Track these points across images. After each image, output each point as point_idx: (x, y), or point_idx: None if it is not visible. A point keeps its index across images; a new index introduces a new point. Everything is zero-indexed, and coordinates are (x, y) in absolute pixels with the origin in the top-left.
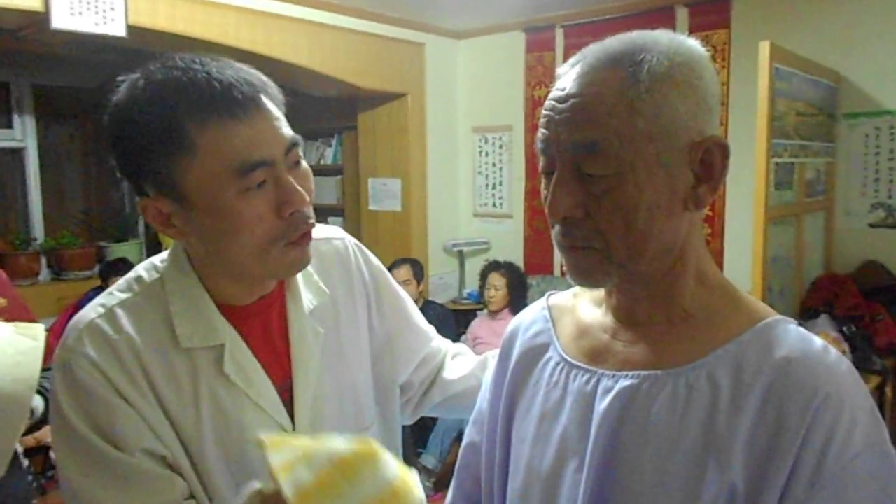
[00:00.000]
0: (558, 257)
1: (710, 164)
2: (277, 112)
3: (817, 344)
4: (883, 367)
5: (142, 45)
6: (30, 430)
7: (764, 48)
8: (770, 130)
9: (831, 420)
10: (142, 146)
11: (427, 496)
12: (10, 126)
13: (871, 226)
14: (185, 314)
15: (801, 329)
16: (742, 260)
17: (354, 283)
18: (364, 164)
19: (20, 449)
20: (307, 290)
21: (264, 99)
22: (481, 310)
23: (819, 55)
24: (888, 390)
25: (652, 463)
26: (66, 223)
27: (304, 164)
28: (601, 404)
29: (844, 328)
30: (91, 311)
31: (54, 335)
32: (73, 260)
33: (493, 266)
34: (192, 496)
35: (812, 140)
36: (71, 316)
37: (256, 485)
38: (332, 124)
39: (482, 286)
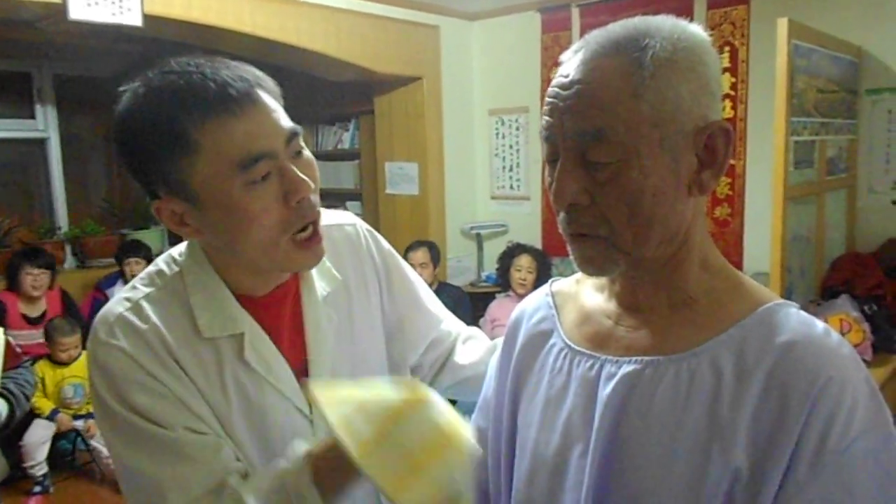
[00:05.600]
0: None
1: (713, 149)
2: (275, 105)
3: (819, 328)
4: None
5: (158, 34)
6: None
7: (782, 25)
8: (788, 108)
9: (833, 404)
10: (148, 151)
11: None
12: (32, 116)
13: (895, 203)
14: (204, 305)
15: (803, 313)
16: (762, 240)
17: (366, 268)
18: (381, 149)
19: None
20: (320, 278)
21: (260, 93)
22: (499, 292)
23: (840, 30)
24: None
25: (656, 448)
26: (89, 212)
27: (306, 153)
28: (605, 390)
29: (865, 307)
30: (118, 305)
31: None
32: (97, 248)
33: (522, 248)
34: (238, 459)
35: (833, 117)
36: (93, 300)
37: (303, 447)
38: (349, 109)
39: (503, 268)
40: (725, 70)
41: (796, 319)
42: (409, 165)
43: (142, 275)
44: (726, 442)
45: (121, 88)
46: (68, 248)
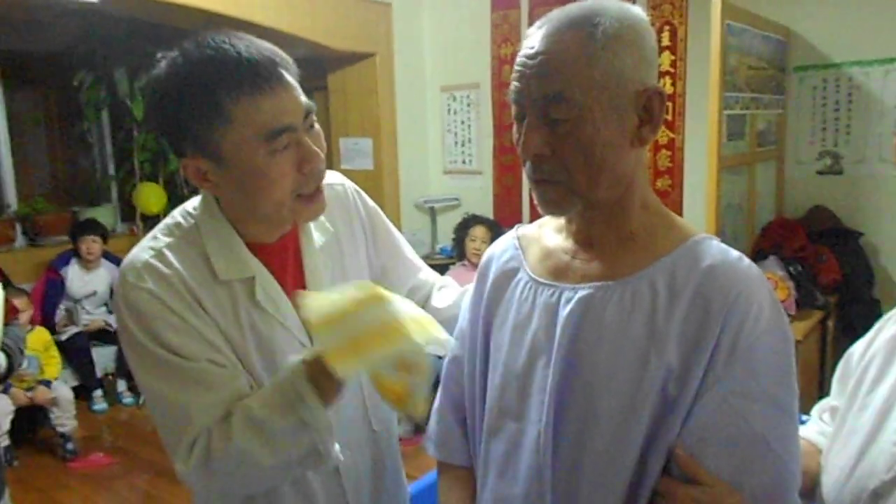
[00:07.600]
0: (527, 212)
1: (651, 108)
2: (295, 83)
3: (734, 254)
4: (825, 302)
5: (109, 8)
6: None
7: (716, 5)
8: (722, 84)
9: (743, 311)
10: (183, 116)
11: (407, 438)
12: None
13: (819, 173)
14: (219, 252)
15: (722, 244)
16: (699, 208)
17: (353, 222)
18: (335, 124)
19: None
20: (316, 230)
21: (284, 72)
22: (453, 264)
23: (769, 11)
24: (829, 323)
25: (606, 355)
26: (36, 189)
27: (317, 126)
28: (563, 311)
29: (791, 268)
30: (142, 252)
31: (36, 298)
32: (48, 226)
33: (477, 220)
34: (252, 388)
35: (763, 93)
36: (47, 280)
37: (297, 357)
38: (302, 85)
39: (459, 238)
40: (665, 48)
41: (717, 249)
42: (363, 141)
43: (160, 226)
44: (661, 346)
45: (158, 56)
46: (18, 227)
